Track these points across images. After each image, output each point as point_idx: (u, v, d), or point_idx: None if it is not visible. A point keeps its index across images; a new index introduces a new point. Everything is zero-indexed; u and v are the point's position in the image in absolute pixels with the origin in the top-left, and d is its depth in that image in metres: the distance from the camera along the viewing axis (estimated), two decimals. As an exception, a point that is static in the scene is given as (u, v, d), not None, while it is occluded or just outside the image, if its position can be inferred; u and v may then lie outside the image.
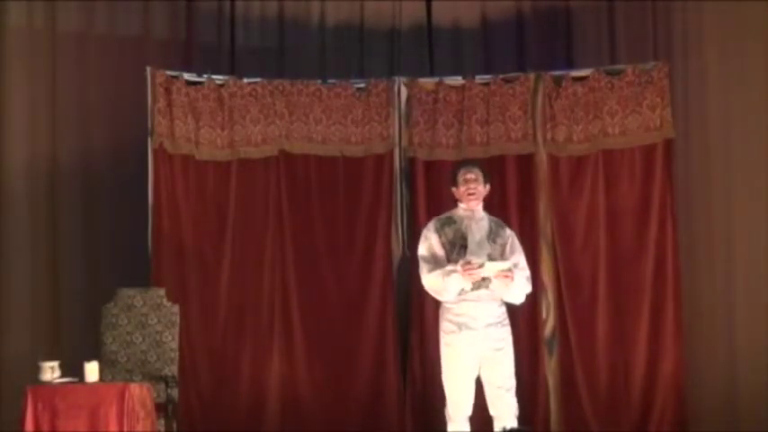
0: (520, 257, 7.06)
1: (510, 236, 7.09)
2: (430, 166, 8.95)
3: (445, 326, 6.98)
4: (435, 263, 6.93)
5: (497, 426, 6.83)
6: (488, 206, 7.29)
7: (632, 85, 8.83)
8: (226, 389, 8.61)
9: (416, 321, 8.80)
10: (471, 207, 7.03)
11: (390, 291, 8.86)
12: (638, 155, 8.80)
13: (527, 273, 7.07)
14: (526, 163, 8.90)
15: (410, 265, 8.89)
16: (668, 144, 8.79)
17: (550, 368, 8.71)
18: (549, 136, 8.89)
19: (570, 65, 9.32)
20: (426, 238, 7.03)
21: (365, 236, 8.90)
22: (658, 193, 8.73)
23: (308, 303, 8.81)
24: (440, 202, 8.83)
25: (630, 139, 8.81)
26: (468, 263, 6.76)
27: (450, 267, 6.84)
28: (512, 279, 6.83)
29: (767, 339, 8.86)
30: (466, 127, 8.91)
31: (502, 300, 6.99)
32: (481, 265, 6.80)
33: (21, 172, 8.89)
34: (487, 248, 6.92)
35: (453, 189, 7.13)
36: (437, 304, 8.62)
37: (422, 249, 7.04)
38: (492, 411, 6.86)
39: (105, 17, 9.17)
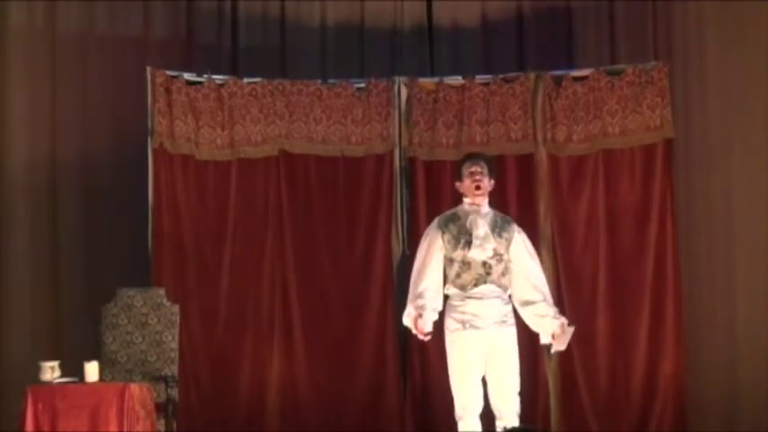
0: (533, 265, 6.84)
1: (516, 232, 6.85)
2: (430, 165, 8.94)
3: (449, 323, 6.78)
4: (418, 275, 6.80)
5: (499, 424, 6.79)
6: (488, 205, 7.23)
7: (632, 85, 8.83)
8: (226, 389, 8.61)
9: (416, 321, 8.81)
10: (477, 202, 6.78)
11: (390, 290, 8.85)
12: (638, 155, 8.80)
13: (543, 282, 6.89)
14: (526, 163, 8.90)
15: (410, 264, 8.90)
16: (668, 144, 8.79)
17: (550, 368, 8.69)
18: (549, 136, 8.89)
19: (570, 65, 9.31)
20: (427, 236, 6.86)
21: (365, 236, 8.90)
22: (658, 192, 8.73)
23: (308, 303, 8.81)
24: (440, 202, 8.83)
25: (630, 138, 8.81)
26: (415, 326, 6.68)
27: (408, 308, 6.75)
28: (563, 332, 6.72)
29: (767, 339, 8.87)
30: (466, 127, 8.91)
31: (507, 298, 6.83)
32: (427, 334, 6.67)
33: (21, 172, 8.89)
34: (492, 243, 6.72)
35: (458, 183, 6.88)
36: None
37: (419, 252, 6.88)
38: (494, 410, 6.82)
39: (105, 17, 9.18)
